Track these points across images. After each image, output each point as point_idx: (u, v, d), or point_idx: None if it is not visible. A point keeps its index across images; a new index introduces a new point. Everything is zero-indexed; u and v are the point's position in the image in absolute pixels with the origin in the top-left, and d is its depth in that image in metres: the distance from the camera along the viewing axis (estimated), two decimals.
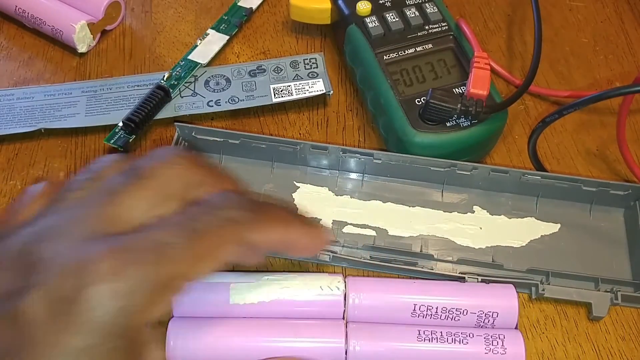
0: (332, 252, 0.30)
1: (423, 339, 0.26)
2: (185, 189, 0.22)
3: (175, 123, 0.33)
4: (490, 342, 0.26)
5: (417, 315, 0.27)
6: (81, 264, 0.19)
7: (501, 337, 0.26)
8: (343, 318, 0.27)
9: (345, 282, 0.27)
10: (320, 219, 0.32)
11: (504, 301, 0.27)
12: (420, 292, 0.27)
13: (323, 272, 0.29)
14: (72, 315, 0.18)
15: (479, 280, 0.29)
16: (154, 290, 0.19)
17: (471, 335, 0.26)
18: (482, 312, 0.27)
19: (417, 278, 0.30)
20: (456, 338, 0.26)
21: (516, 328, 0.27)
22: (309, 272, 0.29)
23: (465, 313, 0.27)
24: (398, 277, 0.30)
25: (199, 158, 0.23)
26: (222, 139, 0.33)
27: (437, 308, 0.27)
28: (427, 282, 0.28)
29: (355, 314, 0.27)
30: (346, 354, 0.26)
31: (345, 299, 0.27)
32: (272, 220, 0.23)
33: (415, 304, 0.27)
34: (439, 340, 0.26)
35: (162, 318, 0.21)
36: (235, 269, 0.28)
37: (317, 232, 0.25)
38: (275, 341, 0.26)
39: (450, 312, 0.27)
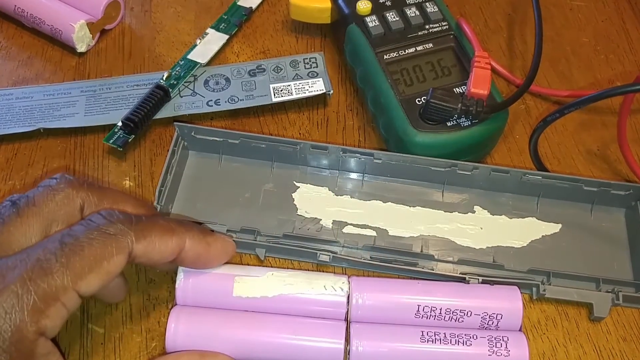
0: (332, 252, 0.30)
1: (426, 340, 0.26)
2: (69, 212, 0.24)
3: (175, 123, 0.32)
4: (494, 344, 0.26)
5: (421, 316, 0.27)
6: None
7: (505, 339, 0.26)
8: (345, 319, 0.27)
9: (349, 283, 0.27)
10: (320, 219, 0.32)
11: (508, 303, 0.27)
12: (424, 293, 0.27)
13: (329, 272, 0.29)
14: None
15: (480, 280, 0.29)
16: (37, 304, 0.21)
17: (475, 337, 0.26)
18: (486, 314, 0.27)
19: (418, 278, 0.30)
20: (460, 339, 0.26)
21: (520, 330, 0.27)
22: (315, 271, 0.29)
23: (469, 314, 0.27)
24: (401, 278, 0.30)
25: (81, 180, 0.25)
26: (221, 139, 0.32)
27: (440, 309, 0.27)
28: (431, 283, 0.28)
29: (359, 314, 0.27)
30: (349, 354, 0.26)
31: (348, 300, 0.27)
32: (157, 231, 0.24)
33: (419, 305, 0.27)
34: (442, 341, 0.26)
35: (55, 331, 0.22)
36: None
37: (215, 238, 0.26)
38: (275, 337, 0.26)
39: (454, 314, 0.27)
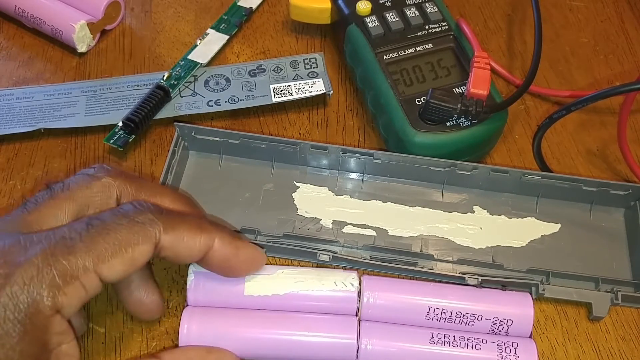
0: (332, 252, 0.30)
1: (436, 342, 0.26)
2: (104, 201, 0.24)
3: (175, 123, 0.33)
4: (503, 349, 0.26)
5: (431, 318, 0.27)
6: None
7: (514, 344, 0.26)
8: (356, 314, 0.27)
9: (360, 279, 0.28)
10: (320, 219, 0.32)
11: (519, 309, 0.27)
12: (436, 295, 0.27)
13: (339, 268, 0.29)
14: None
15: (480, 280, 0.29)
16: (56, 280, 0.21)
17: (484, 341, 0.26)
18: (496, 319, 0.27)
19: (418, 278, 0.30)
20: (469, 343, 0.26)
21: (530, 337, 0.27)
22: (324, 267, 0.29)
23: (479, 319, 0.27)
24: (407, 279, 0.30)
25: (123, 172, 0.25)
26: (221, 139, 0.33)
27: (451, 312, 0.27)
28: (443, 286, 0.28)
29: (369, 313, 0.27)
30: (358, 352, 0.26)
31: (359, 296, 0.27)
32: (187, 225, 0.24)
33: (430, 307, 0.27)
34: (451, 344, 0.26)
35: (71, 312, 0.22)
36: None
37: (246, 244, 0.26)
38: (288, 334, 0.26)
39: (464, 317, 0.27)
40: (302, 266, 0.30)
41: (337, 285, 0.27)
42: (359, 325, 0.27)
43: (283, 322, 0.27)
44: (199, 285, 0.27)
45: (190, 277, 0.27)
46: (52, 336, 0.21)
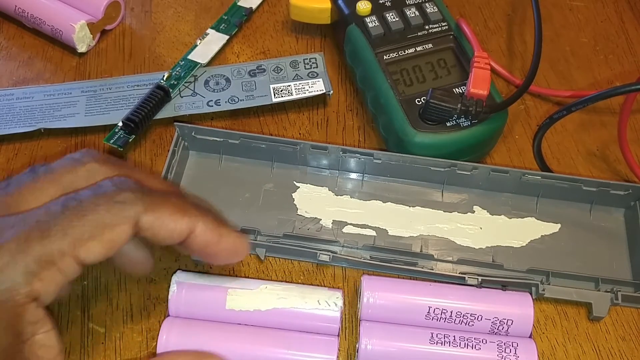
0: (332, 252, 0.30)
1: (436, 341, 0.26)
2: (84, 183, 0.23)
3: (175, 123, 0.33)
4: (503, 349, 0.26)
5: (431, 317, 0.27)
6: None
7: (514, 344, 0.26)
8: (337, 335, 0.27)
9: (346, 292, 0.27)
10: (320, 219, 0.32)
11: (519, 309, 0.27)
12: (436, 295, 0.27)
13: (324, 286, 0.29)
14: None
15: (480, 280, 0.29)
16: (31, 266, 0.20)
17: (484, 341, 0.26)
18: (496, 319, 0.27)
19: (418, 278, 0.30)
20: (469, 343, 0.26)
21: (530, 337, 0.27)
22: (309, 284, 0.29)
23: (479, 319, 0.27)
24: (407, 279, 0.30)
25: (109, 157, 0.24)
26: (221, 139, 0.33)
27: (451, 312, 0.27)
28: (443, 286, 0.28)
29: (369, 313, 0.27)
30: (357, 352, 0.26)
31: (342, 316, 0.27)
32: (171, 206, 0.22)
33: (430, 307, 0.27)
34: (451, 344, 0.26)
35: (48, 299, 0.21)
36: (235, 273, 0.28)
37: (231, 231, 0.24)
38: (267, 351, 0.26)
39: (464, 317, 0.27)
40: (287, 282, 0.29)
41: (321, 304, 0.27)
42: (359, 325, 0.27)
43: (263, 339, 0.26)
44: (181, 296, 0.27)
45: (173, 287, 0.27)
46: (26, 325, 0.20)
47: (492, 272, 0.30)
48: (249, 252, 0.26)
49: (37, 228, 0.20)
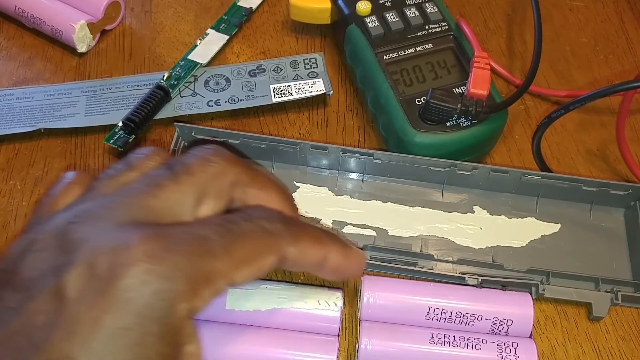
0: None
1: (436, 342, 0.26)
2: (221, 187, 0.22)
3: (175, 123, 0.33)
4: (503, 350, 0.26)
5: (431, 318, 0.27)
6: (118, 246, 0.19)
7: (514, 344, 0.26)
8: (337, 335, 0.27)
9: (346, 292, 0.27)
10: (320, 219, 0.32)
11: (519, 309, 0.27)
12: (436, 295, 0.27)
13: (324, 286, 0.29)
14: (107, 294, 0.18)
15: (480, 280, 0.29)
16: (192, 281, 0.19)
17: (484, 342, 0.26)
18: (496, 319, 0.27)
19: (417, 278, 0.30)
20: (469, 343, 0.26)
21: (530, 337, 0.27)
22: (309, 284, 0.29)
23: (479, 319, 0.27)
24: (410, 279, 0.30)
25: (234, 157, 0.23)
26: (222, 139, 0.33)
27: (451, 312, 0.27)
28: (443, 286, 0.28)
29: (369, 313, 0.27)
30: (357, 352, 0.26)
31: (342, 316, 0.27)
32: (310, 237, 0.23)
33: (430, 307, 0.27)
34: (451, 344, 0.26)
35: (198, 313, 0.21)
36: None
37: (353, 252, 0.25)
38: (267, 351, 0.26)
39: (464, 317, 0.27)
40: (287, 281, 0.29)
41: (321, 304, 0.27)
42: (359, 325, 0.27)
43: (263, 339, 0.26)
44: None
45: None
46: (183, 337, 0.20)
47: (492, 272, 0.30)
48: (366, 265, 0.27)
49: (204, 246, 0.20)
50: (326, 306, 0.27)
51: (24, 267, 0.20)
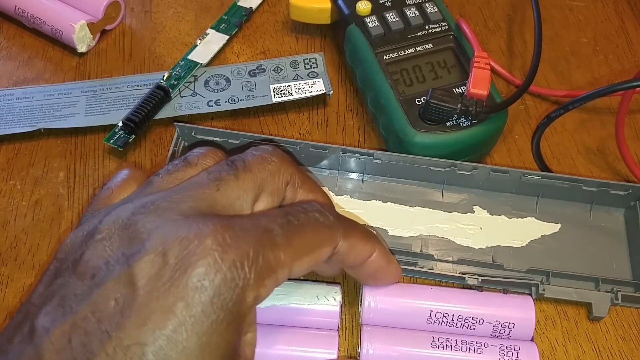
0: None
1: (437, 346, 0.26)
2: (277, 185, 0.23)
3: (175, 123, 0.33)
4: (505, 353, 0.26)
5: (433, 321, 0.27)
6: (189, 236, 0.19)
7: (516, 348, 0.26)
8: (337, 329, 0.27)
9: (342, 293, 0.27)
10: None
11: (521, 312, 0.27)
12: (437, 299, 0.27)
13: (322, 281, 0.29)
14: (178, 283, 0.19)
15: (480, 280, 0.29)
16: (259, 270, 0.20)
17: (486, 345, 0.26)
18: (498, 322, 0.27)
19: (417, 278, 0.30)
20: (471, 347, 0.26)
21: (532, 340, 0.27)
22: (307, 280, 0.29)
23: (481, 322, 0.27)
24: (414, 282, 0.30)
25: (287, 157, 0.24)
26: (221, 139, 0.33)
27: (453, 316, 0.27)
28: (444, 289, 0.28)
29: (370, 317, 0.27)
30: (359, 356, 0.26)
31: (341, 310, 0.27)
32: (359, 234, 0.24)
33: (431, 311, 0.27)
34: (453, 348, 0.26)
35: (260, 302, 0.21)
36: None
37: (394, 258, 0.26)
38: (267, 348, 0.26)
39: (466, 321, 0.27)
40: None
41: (319, 299, 0.27)
42: (360, 330, 0.27)
43: (263, 336, 0.26)
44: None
45: None
46: (246, 325, 0.21)
47: (492, 272, 0.30)
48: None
49: (268, 236, 0.21)
50: (325, 301, 0.27)
51: (88, 255, 0.20)
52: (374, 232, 0.26)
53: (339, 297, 0.27)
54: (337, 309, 0.27)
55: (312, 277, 0.30)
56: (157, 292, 0.18)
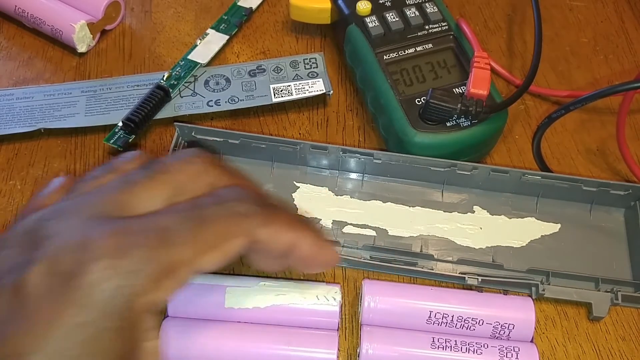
0: None
1: (437, 346, 0.26)
2: (199, 186, 0.22)
3: (175, 123, 0.33)
4: (505, 354, 0.26)
5: (433, 322, 0.27)
6: (83, 241, 0.19)
7: (516, 349, 0.26)
8: (337, 329, 0.27)
9: (342, 293, 0.28)
10: (320, 219, 0.32)
11: (521, 313, 0.27)
12: (437, 299, 0.27)
13: (322, 281, 0.29)
14: (70, 290, 0.18)
15: (479, 280, 0.29)
16: (155, 274, 0.19)
17: (485, 346, 0.26)
18: (498, 323, 0.27)
19: (417, 278, 0.30)
20: (470, 347, 0.26)
21: (532, 341, 0.27)
22: (307, 280, 0.29)
23: (481, 323, 0.27)
24: (414, 282, 0.30)
25: (216, 159, 0.24)
26: (221, 139, 0.33)
27: (453, 316, 0.27)
28: (444, 290, 0.28)
29: (370, 317, 0.27)
30: (358, 356, 0.26)
31: (341, 310, 0.27)
32: (283, 220, 0.23)
33: (431, 311, 0.27)
34: (452, 348, 0.26)
35: (162, 307, 0.21)
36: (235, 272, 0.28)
37: (327, 244, 0.25)
38: (267, 348, 0.26)
39: (466, 321, 0.27)
40: (285, 278, 0.29)
41: (319, 299, 0.27)
42: (360, 330, 0.27)
43: (263, 336, 0.26)
44: (180, 297, 0.27)
45: None
46: (141, 332, 0.20)
47: (492, 272, 0.30)
48: (338, 262, 0.26)
49: (164, 236, 0.20)
50: (325, 301, 0.27)
51: None
52: (305, 217, 0.24)
53: (338, 297, 0.27)
54: (337, 308, 0.27)
55: (313, 278, 0.30)
56: (45, 301, 0.18)
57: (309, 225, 0.24)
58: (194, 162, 0.23)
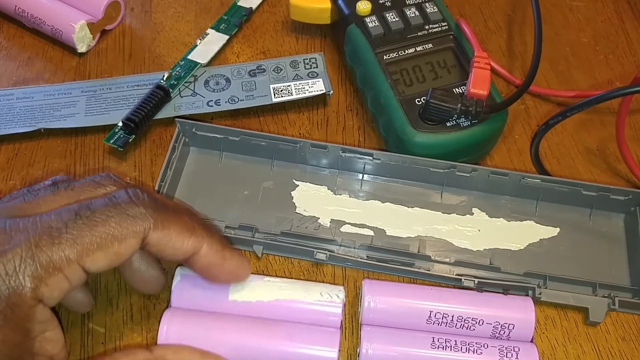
0: (329, 251, 0.30)
1: (437, 346, 0.26)
2: (98, 195, 0.24)
3: (176, 119, 0.33)
4: (505, 354, 0.26)
5: (433, 322, 0.27)
6: None
7: (516, 349, 0.26)
8: (340, 327, 0.27)
9: (346, 292, 0.27)
10: (318, 217, 0.32)
11: (520, 313, 0.27)
12: (437, 300, 0.27)
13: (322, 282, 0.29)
14: None
15: (476, 282, 0.29)
16: (33, 270, 0.21)
17: (485, 346, 0.26)
18: (498, 323, 0.27)
19: (414, 279, 0.30)
20: (470, 347, 0.26)
21: (532, 341, 0.27)
22: (309, 280, 0.29)
23: (481, 323, 0.27)
24: (415, 283, 0.30)
25: (128, 184, 0.25)
26: (222, 136, 0.33)
27: (453, 316, 0.27)
28: (444, 290, 0.28)
29: (370, 317, 0.27)
30: (358, 356, 0.26)
31: (344, 309, 0.27)
32: (179, 225, 0.23)
33: (431, 311, 0.27)
34: (452, 348, 0.26)
35: (54, 302, 0.22)
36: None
37: (234, 254, 0.25)
38: (269, 342, 0.26)
39: (466, 322, 0.27)
40: (289, 278, 0.29)
41: (323, 296, 0.27)
42: (359, 330, 0.27)
43: (265, 330, 0.26)
44: (184, 288, 0.27)
45: (177, 279, 0.27)
46: (35, 325, 0.21)
47: (489, 274, 0.30)
48: (249, 275, 0.27)
49: (48, 234, 0.21)
50: (328, 298, 0.27)
51: None
52: (211, 225, 0.25)
53: (342, 295, 0.27)
54: (340, 307, 0.27)
55: (313, 278, 0.30)
56: None
57: (213, 235, 0.25)
58: (103, 185, 0.24)
